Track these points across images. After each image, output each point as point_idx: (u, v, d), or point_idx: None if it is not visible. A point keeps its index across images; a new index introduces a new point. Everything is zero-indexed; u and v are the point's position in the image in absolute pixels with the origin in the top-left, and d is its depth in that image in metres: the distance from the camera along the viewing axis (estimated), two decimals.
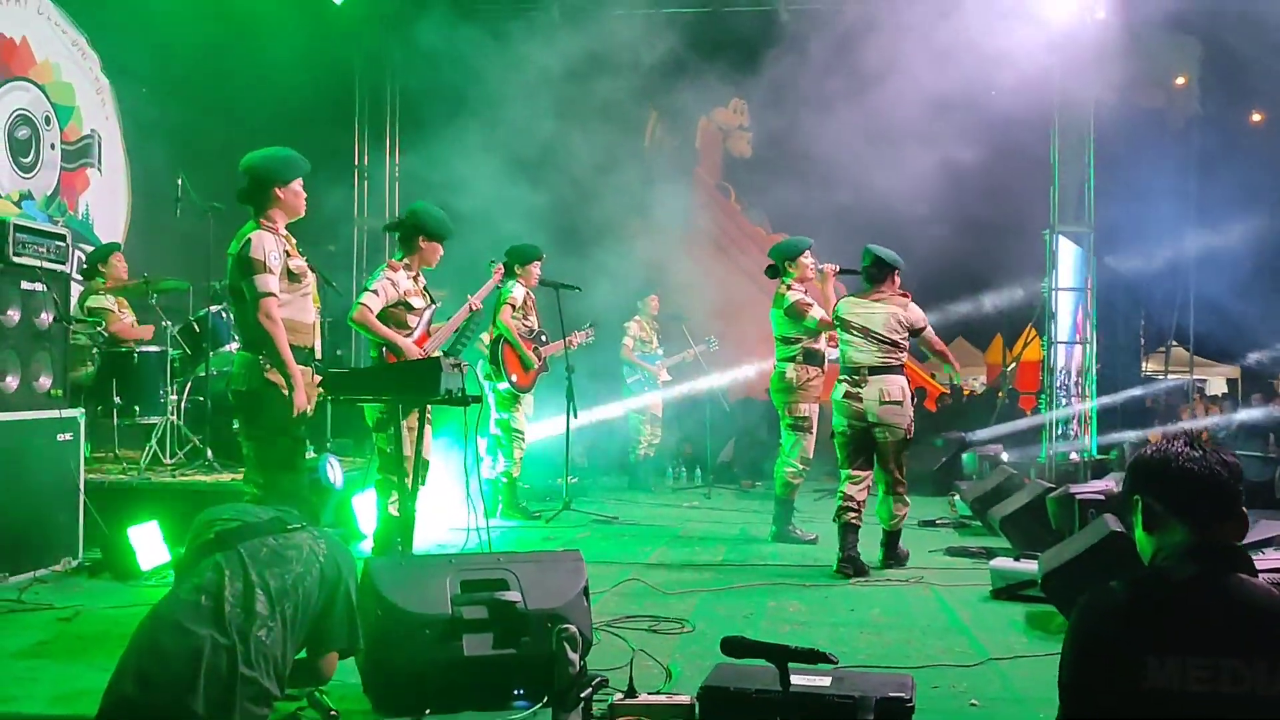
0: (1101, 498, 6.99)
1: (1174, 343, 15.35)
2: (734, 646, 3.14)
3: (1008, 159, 12.30)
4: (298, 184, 5.47)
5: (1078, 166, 11.96)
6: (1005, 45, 11.73)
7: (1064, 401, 12.10)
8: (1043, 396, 12.64)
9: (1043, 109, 12.08)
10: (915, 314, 7.39)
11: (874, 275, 7.42)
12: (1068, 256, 12.17)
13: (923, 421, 15.44)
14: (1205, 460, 2.37)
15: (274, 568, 3.55)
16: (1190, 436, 2.44)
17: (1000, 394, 14.91)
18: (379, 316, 6.32)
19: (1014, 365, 15.38)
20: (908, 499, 7.34)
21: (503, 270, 8.29)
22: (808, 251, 8.26)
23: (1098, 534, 5.64)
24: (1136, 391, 15.38)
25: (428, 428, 6.13)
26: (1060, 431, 11.98)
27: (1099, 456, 12.34)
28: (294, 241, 5.51)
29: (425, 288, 6.67)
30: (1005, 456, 11.48)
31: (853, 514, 7.16)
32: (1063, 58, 11.72)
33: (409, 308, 6.46)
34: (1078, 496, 7.14)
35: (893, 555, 7.29)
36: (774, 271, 8.29)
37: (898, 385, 7.24)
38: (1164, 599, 2.27)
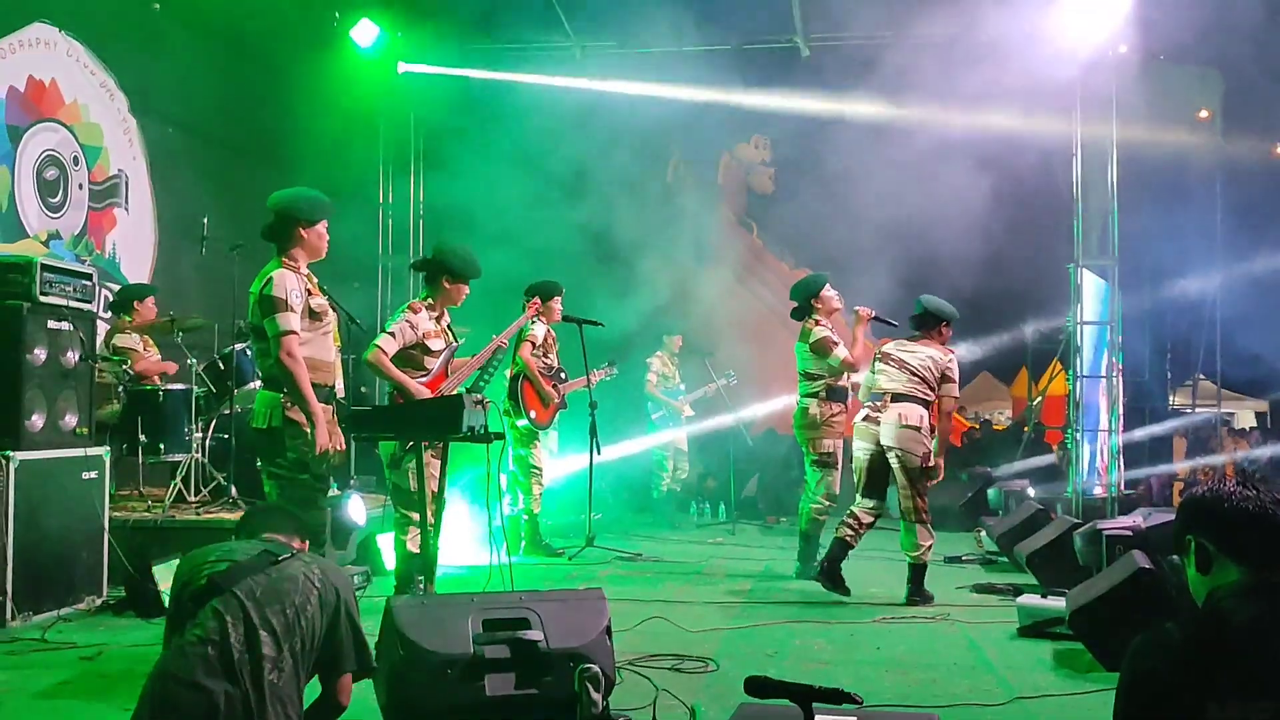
0: (1129, 534, 6.92)
1: (1201, 376, 15.23)
2: (758, 686, 3.10)
3: (1032, 192, 12.28)
4: (322, 225, 5.54)
5: (1101, 200, 11.90)
6: (1028, 78, 11.75)
7: (1090, 436, 11.99)
8: (1069, 431, 12.55)
9: (1066, 142, 12.05)
10: (951, 367, 7.46)
11: (922, 323, 7.62)
12: (1092, 290, 12.10)
13: (947, 456, 15.41)
14: (1259, 499, 2.33)
15: (273, 604, 3.45)
16: (1244, 475, 2.41)
17: (1026, 428, 14.81)
18: (397, 357, 6.33)
19: (1039, 399, 15.28)
20: (933, 531, 7.31)
21: (539, 304, 8.33)
22: (827, 285, 8.26)
23: (1126, 570, 5.58)
24: (1163, 425, 15.26)
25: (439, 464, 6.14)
26: (1086, 466, 11.87)
27: (1126, 491, 12.23)
28: (315, 280, 5.55)
29: (449, 326, 6.67)
30: (1031, 491, 11.39)
31: (850, 531, 7.41)
32: (1085, 91, 11.71)
33: (426, 350, 6.46)
34: (1105, 532, 7.07)
35: (919, 592, 7.24)
36: (800, 313, 8.27)
37: (917, 413, 7.31)
38: (1224, 641, 2.21)
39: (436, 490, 5.75)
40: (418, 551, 6.27)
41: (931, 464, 7.32)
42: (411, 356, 6.40)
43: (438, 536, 5.92)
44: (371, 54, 12.60)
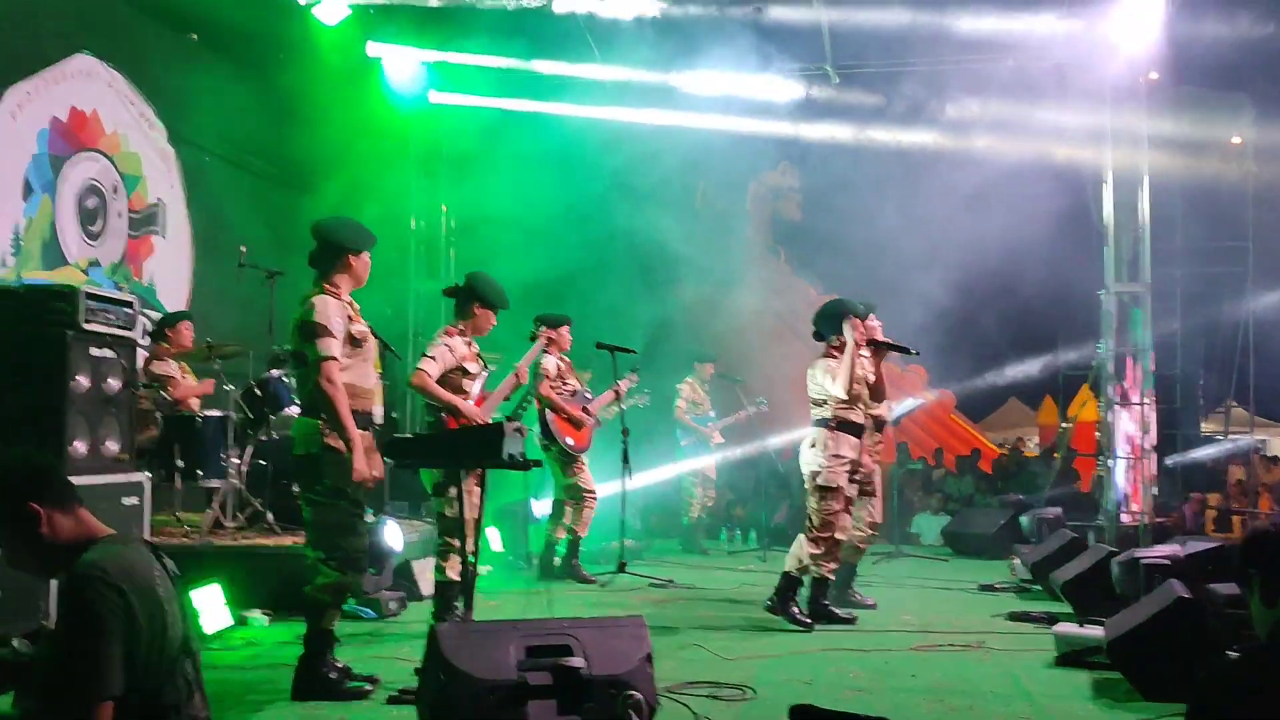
0: (1167, 563, 6.87)
1: (1233, 403, 15.13)
2: (803, 714, 3.14)
3: (1062, 219, 12.27)
4: (367, 255, 5.56)
5: (1132, 227, 11.89)
6: (1058, 106, 11.78)
7: (1122, 463, 11.94)
8: (1100, 458, 12.50)
9: (1097, 169, 12.06)
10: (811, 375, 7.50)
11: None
12: (1124, 317, 12.08)
13: (978, 483, 15.37)
14: None
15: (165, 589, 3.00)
16: None
17: (1056, 455, 14.74)
18: (438, 382, 6.40)
19: (1070, 426, 15.22)
20: (822, 548, 7.29)
21: (548, 335, 8.39)
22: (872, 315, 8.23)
23: (1165, 600, 5.56)
24: (1197, 453, 15.17)
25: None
26: (1118, 493, 11.82)
27: (1159, 519, 12.15)
28: (357, 307, 5.58)
29: (479, 353, 6.74)
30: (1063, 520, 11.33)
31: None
32: (1116, 118, 11.72)
33: (465, 373, 6.53)
34: (1143, 561, 7.03)
35: (783, 604, 7.31)
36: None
37: (809, 433, 7.44)
38: None
39: (477, 517, 5.77)
40: (457, 579, 6.30)
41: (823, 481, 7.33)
42: (450, 380, 6.46)
43: (477, 563, 5.95)
44: (404, 85, 12.77)
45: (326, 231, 5.52)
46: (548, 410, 9.17)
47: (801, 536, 7.38)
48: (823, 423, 7.44)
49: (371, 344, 5.59)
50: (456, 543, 6.28)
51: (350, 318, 5.45)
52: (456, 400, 6.37)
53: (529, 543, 10.41)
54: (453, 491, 6.17)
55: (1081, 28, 11.53)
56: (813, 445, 7.38)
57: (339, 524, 5.32)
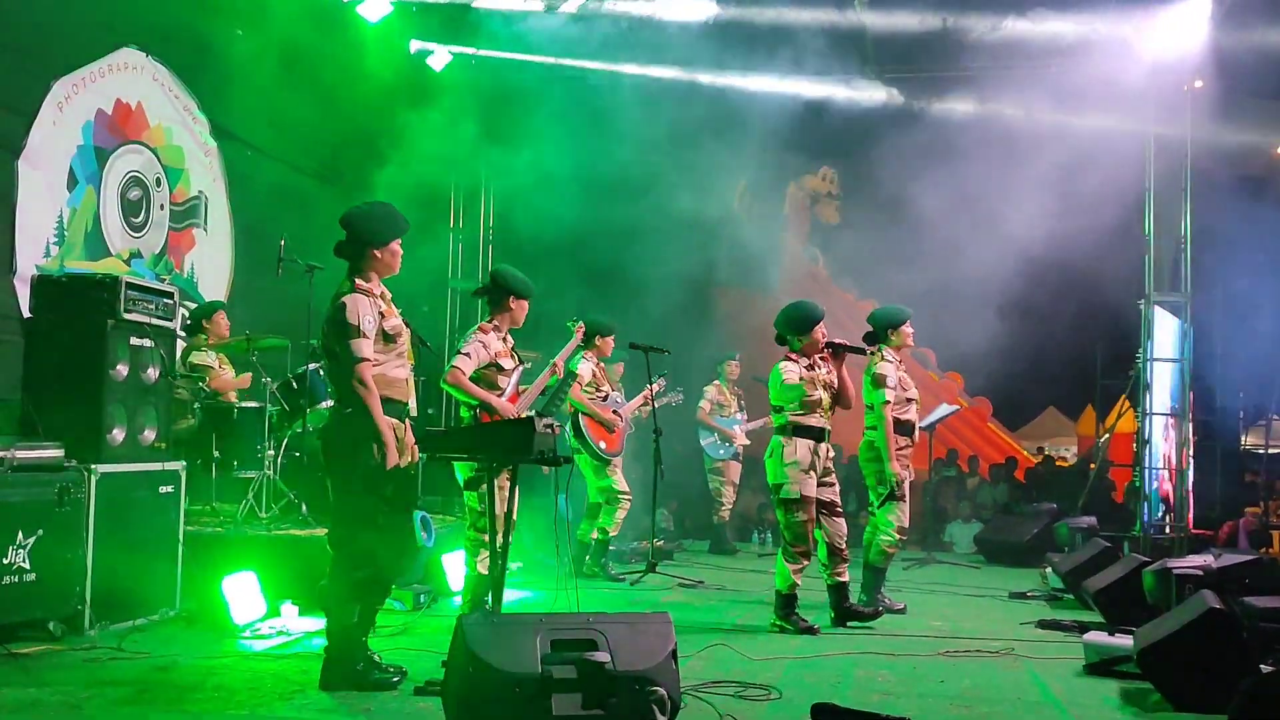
0: (1200, 573, 6.83)
1: (1275, 416, 14.94)
2: (825, 712, 3.14)
3: (1103, 227, 12.17)
4: (396, 244, 5.49)
5: (1174, 236, 11.80)
6: (1102, 113, 11.69)
7: (1159, 474, 11.84)
8: (1137, 469, 12.40)
9: (1139, 177, 11.97)
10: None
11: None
12: (1164, 327, 11.97)
13: (1013, 491, 15.26)
14: None
15: None
16: None
17: (1093, 465, 14.63)
18: (472, 378, 6.43)
19: (1108, 436, 15.09)
20: (799, 560, 7.24)
21: (584, 330, 8.38)
22: (908, 321, 8.24)
23: (1196, 610, 5.51)
24: (1235, 466, 14.99)
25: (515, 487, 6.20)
26: (1154, 504, 11.72)
27: (1195, 531, 12.04)
28: (389, 297, 5.55)
29: (514, 348, 6.76)
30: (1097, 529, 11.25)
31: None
32: (1160, 125, 11.63)
33: (500, 369, 6.54)
34: (1175, 571, 6.98)
35: (786, 616, 7.27)
36: (870, 339, 8.20)
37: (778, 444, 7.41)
38: None
39: (506, 511, 5.79)
40: (486, 574, 6.34)
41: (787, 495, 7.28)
42: (486, 376, 6.47)
43: (506, 559, 5.98)
44: (445, 79, 12.83)
45: (351, 222, 5.46)
46: (580, 414, 9.25)
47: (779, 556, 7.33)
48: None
49: (405, 336, 5.58)
50: (487, 537, 6.31)
51: (383, 313, 5.43)
52: (490, 396, 6.37)
53: (559, 540, 10.43)
54: (485, 486, 6.20)
55: (1127, 34, 11.45)
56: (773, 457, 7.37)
57: (361, 517, 5.33)
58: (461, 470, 6.39)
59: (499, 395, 6.46)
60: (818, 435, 7.34)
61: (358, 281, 5.41)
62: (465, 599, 6.60)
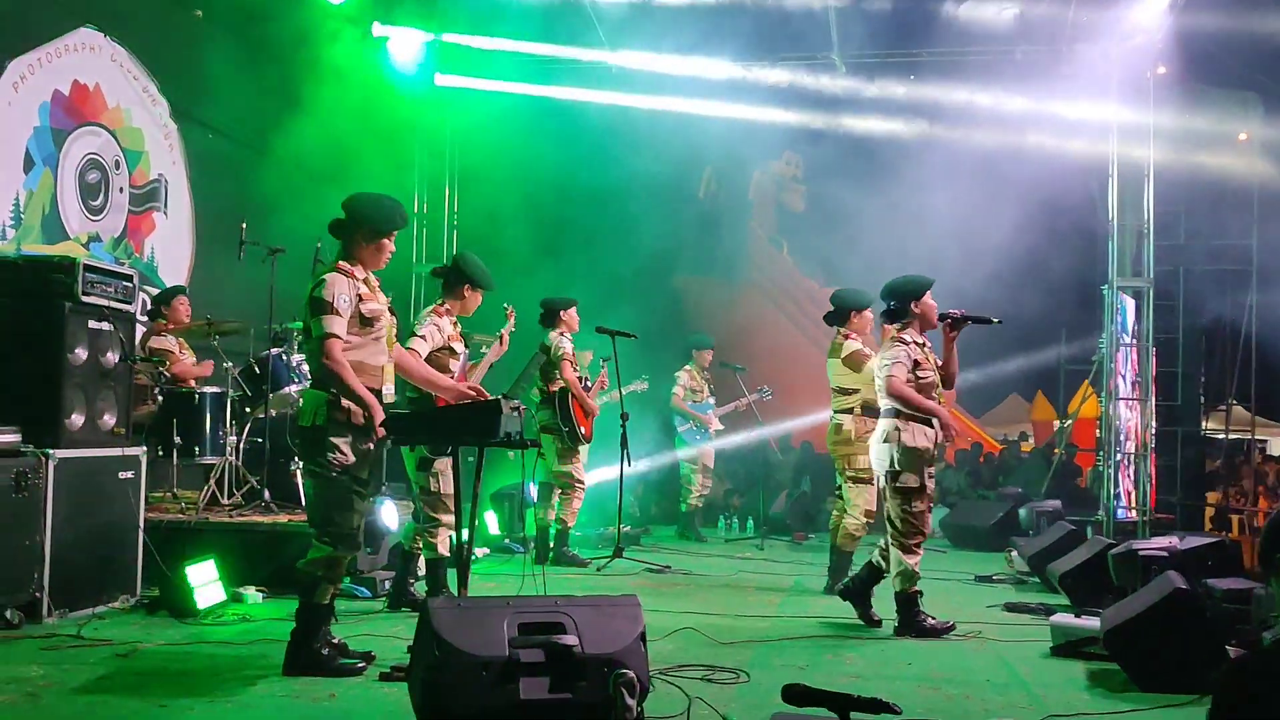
0: (1165, 555, 6.87)
1: (1234, 401, 15.08)
2: (796, 694, 3.11)
3: (1066, 213, 12.24)
4: (386, 240, 5.50)
5: (1136, 221, 11.86)
6: (1064, 99, 11.73)
7: (1121, 458, 11.92)
8: (1100, 454, 12.48)
9: (1101, 164, 12.03)
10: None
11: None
12: (1126, 312, 12.06)
13: (975, 478, 15.36)
14: None
15: None
16: None
17: (1056, 450, 14.73)
18: (426, 360, 6.41)
19: (1070, 421, 15.20)
20: (916, 553, 6.79)
21: (513, 311, 8.10)
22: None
23: (1162, 591, 5.54)
24: (1196, 449, 15.11)
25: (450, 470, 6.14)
26: (1117, 488, 11.80)
27: (1158, 515, 12.14)
28: (375, 283, 5.53)
29: (462, 333, 6.81)
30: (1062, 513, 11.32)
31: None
32: (1122, 112, 11.68)
33: (452, 352, 6.62)
34: (1141, 553, 7.02)
35: (910, 623, 6.72)
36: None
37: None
38: None
39: (469, 492, 5.74)
40: (447, 554, 6.32)
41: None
42: (437, 359, 6.52)
43: (473, 541, 5.93)
44: (409, 66, 12.75)
45: (351, 209, 5.47)
46: (569, 395, 9.22)
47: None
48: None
49: (385, 322, 5.52)
50: (443, 518, 6.32)
51: (361, 296, 5.39)
52: (437, 376, 6.26)
53: (525, 526, 10.42)
54: (436, 466, 6.21)
55: (1089, 20, 11.50)
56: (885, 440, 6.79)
57: (338, 499, 5.30)
58: (408, 453, 6.37)
59: (450, 378, 6.41)
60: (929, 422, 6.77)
61: (340, 263, 5.44)
62: (427, 582, 6.57)
